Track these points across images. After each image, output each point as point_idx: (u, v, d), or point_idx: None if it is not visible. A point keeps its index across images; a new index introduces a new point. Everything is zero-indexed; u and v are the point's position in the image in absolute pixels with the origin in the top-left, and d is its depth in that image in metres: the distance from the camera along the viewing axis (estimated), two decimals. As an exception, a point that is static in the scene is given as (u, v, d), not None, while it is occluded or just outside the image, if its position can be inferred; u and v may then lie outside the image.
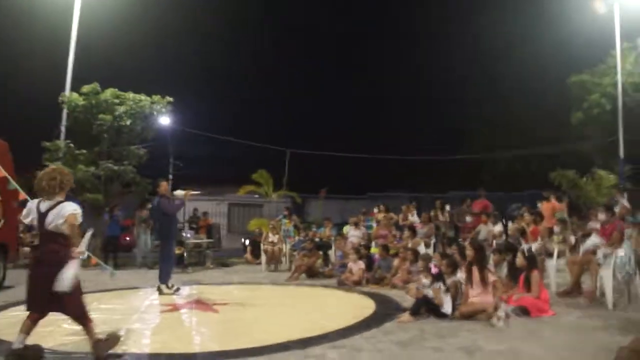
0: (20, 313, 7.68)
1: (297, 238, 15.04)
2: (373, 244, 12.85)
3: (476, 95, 38.53)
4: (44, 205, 4.96)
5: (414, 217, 14.86)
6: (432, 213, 14.59)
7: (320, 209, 25.02)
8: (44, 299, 4.93)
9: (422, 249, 10.99)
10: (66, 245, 4.92)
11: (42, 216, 4.92)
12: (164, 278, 9.51)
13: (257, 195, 25.53)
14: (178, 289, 9.52)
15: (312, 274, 11.83)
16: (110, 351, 5.13)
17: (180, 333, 6.31)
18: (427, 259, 8.30)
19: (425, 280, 7.48)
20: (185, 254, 13.93)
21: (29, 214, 5.05)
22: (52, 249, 4.90)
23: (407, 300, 8.11)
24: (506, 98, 33.11)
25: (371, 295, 8.97)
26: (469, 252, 7.47)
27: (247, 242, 18.40)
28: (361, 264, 10.59)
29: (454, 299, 6.94)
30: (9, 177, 9.42)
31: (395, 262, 10.38)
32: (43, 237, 4.97)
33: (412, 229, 12.33)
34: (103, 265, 11.68)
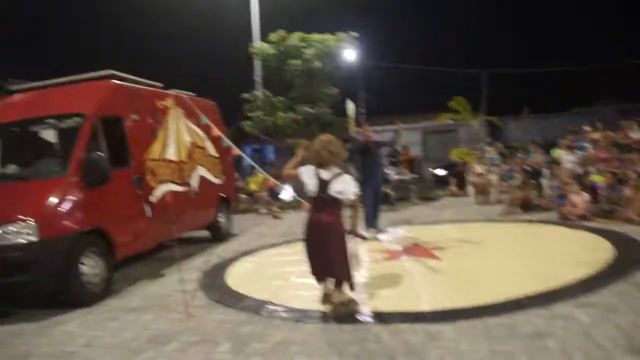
0: (250, 265, 8.29)
1: (503, 167, 14.19)
2: (592, 169, 11.63)
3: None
4: (326, 174, 5.24)
5: (636, 134, 13.14)
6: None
7: (520, 130, 23.57)
8: (318, 261, 5.29)
9: (657, 172, 9.61)
10: (341, 209, 5.34)
11: (324, 183, 5.21)
12: (372, 222, 9.51)
13: (450, 121, 24.68)
14: (381, 232, 9.47)
15: (526, 207, 11.10)
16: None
17: (407, 287, 6.16)
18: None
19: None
20: (390, 192, 13.88)
21: (308, 179, 5.29)
22: (331, 212, 5.24)
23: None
24: None
25: (603, 232, 8.09)
26: None
27: (437, 172, 17.84)
28: (585, 196, 9.64)
29: None
30: (222, 135, 9.96)
31: (627, 190, 9.26)
32: (324, 202, 5.25)
33: (642, 149, 10.86)
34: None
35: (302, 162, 5.63)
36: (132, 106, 8.16)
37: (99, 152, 6.98)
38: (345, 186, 5.24)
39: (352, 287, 5.38)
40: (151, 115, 8.48)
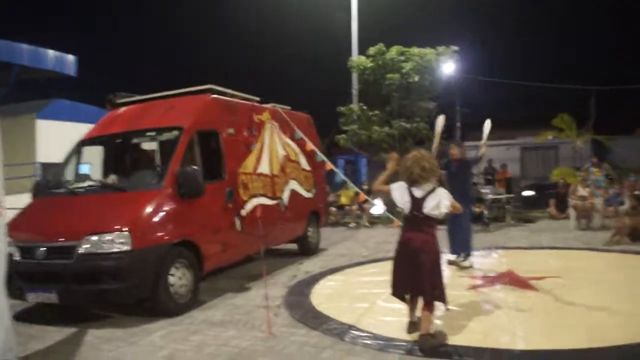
0: (336, 283, 8.14)
1: (611, 191, 13.25)
2: None
3: None
4: (419, 192, 5.06)
5: None
6: None
7: (631, 151, 22.01)
8: (408, 282, 5.11)
9: None
10: (436, 228, 5.15)
11: (418, 201, 5.04)
12: (460, 248, 8.82)
13: (550, 137, 23.61)
14: (469, 256, 8.88)
15: (636, 236, 10.26)
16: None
17: (499, 320, 5.76)
18: None
19: None
20: (484, 211, 13.36)
21: (400, 197, 5.14)
22: (425, 231, 5.07)
23: None
24: None
25: None
26: None
27: (525, 193, 16.87)
28: None
29: None
30: (317, 150, 9.94)
31: None
32: (418, 220, 5.08)
33: None
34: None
35: (393, 176, 5.45)
36: (229, 120, 8.29)
37: (194, 166, 7.10)
38: (439, 200, 5.00)
39: (445, 307, 5.14)
40: (247, 128, 8.60)
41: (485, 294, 6.93)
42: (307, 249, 10.52)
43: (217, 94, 8.35)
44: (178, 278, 6.61)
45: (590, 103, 21.85)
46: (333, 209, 15.34)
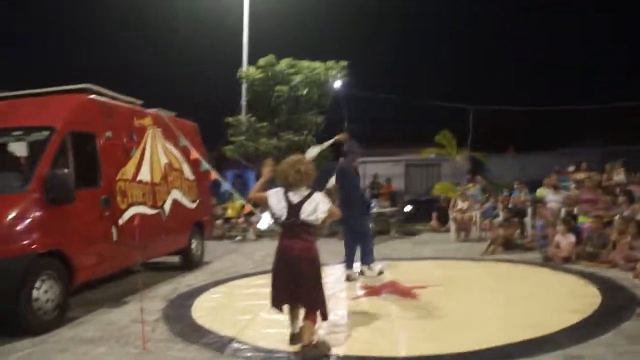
0: (219, 296, 7.85)
1: (487, 205, 13.92)
2: (575, 210, 11.39)
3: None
4: (295, 197, 4.89)
5: (620, 177, 13.01)
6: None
7: (503, 167, 23.47)
8: (288, 291, 4.94)
9: (642, 217, 9.39)
10: (314, 235, 5.00)
11: (295, 207, 4.86)
12: (367, 258, 8.73)
13: (433, 155, 24.60)
14: (381, 272, 8.64)
15: (508, 246, 10.82)
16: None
17: (383, 328, 5.75)
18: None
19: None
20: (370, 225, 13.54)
21: (276, 204, 4.94)
22: (304, 238, 4.91)
23: (638, 286, 6.92)
24: None
25: (589, 277, 7.76)
26: None
27: (409, 208, 17.43)
28: (572, 238, 9.33)
29: None
30: (201, 159, 9.61)
31: (613, 234, 9.01)
32: (293, 227, 4.90)
33: (628, 193, 10.64)
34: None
35: (270, 184, 5.28)
36: (107, 123, 7.78)
37: (65, 169, 6.56)
38: (316, 205, 4.87)
39: (324, 317, 4.99)
40: (127, 133, 8.09)
41: (369, 303, 6.93)
42: (190, 262, 10.08)
43: (95, 94, 7.84)
44: (44, 292, 6.03)
45: (469, 121, 23.13)
46: (219, 221, 14.95)
